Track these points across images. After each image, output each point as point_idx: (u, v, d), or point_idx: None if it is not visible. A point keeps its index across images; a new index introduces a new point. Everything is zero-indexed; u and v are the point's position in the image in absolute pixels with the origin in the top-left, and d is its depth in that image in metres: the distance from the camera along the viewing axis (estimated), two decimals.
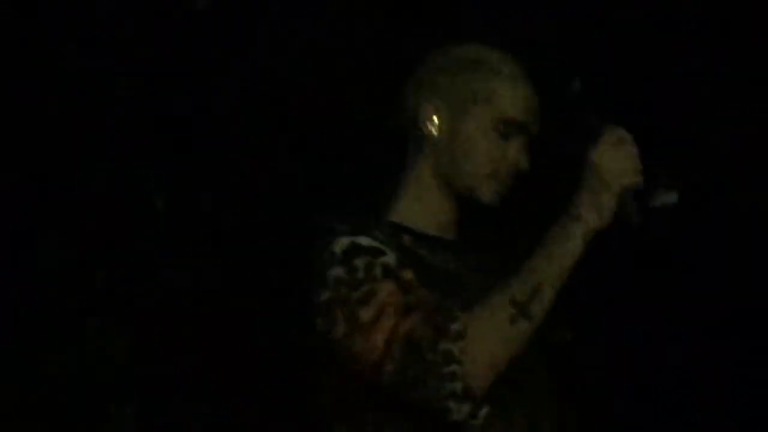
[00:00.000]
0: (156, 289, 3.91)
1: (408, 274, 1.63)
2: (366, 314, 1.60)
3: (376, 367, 1.59)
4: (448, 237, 1.79)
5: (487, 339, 1.56)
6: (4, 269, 3.80)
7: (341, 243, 1.65)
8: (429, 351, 1.57)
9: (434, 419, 1.59)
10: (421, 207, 1.77)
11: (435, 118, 1.73)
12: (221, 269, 4.00)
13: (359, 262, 1.63)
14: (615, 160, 1.58)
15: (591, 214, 1.57)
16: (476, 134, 1.72)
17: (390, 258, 1.64)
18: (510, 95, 1.72)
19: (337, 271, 1.63)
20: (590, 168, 1.58)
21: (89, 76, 3.84)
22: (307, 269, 1.69)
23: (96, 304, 3.89)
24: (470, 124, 1.73)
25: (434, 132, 1.74)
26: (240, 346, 3.93)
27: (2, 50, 3.75)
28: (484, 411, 1.58)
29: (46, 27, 3.78)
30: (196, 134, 3.91)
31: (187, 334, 3.90)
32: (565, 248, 1.57)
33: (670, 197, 2.50)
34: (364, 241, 1.65)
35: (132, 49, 3.84)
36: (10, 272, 3.81)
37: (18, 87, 3.80)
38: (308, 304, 1.68)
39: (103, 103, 3.89)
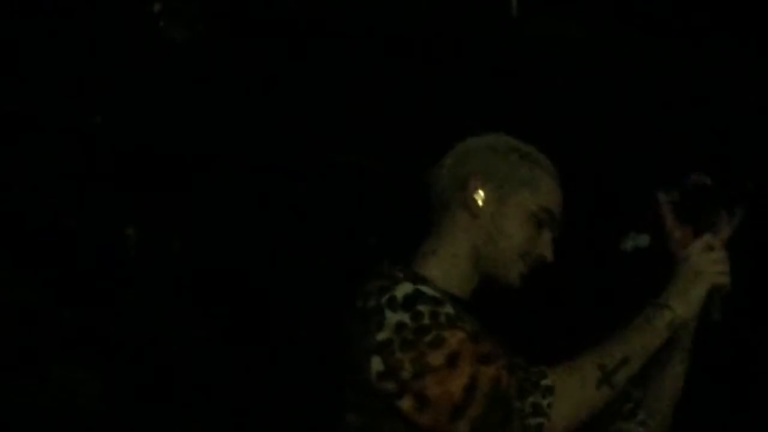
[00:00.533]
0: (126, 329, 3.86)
1: (468, 325, 1.70)
2: (436, 359, 1.64)
3: (456, 412, 1.63)
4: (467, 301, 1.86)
5: (574, 398, 1.66)
6: None
7: (404, 288, 1.70)
8: (517, 400, 1.64)
9: None
10: (455, 272, 1.82)
11: (482, 191, 1.81)
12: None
13: (423, 308, 1.67)
14: (708, 260, 1.75)
15: (680, 305, 1.73)
16: (517, 215, 1.81)
17: (450, 309, 1.70)
18: (550, 188, 1.83)
19: (400, 316, 1.67)
20: (685, 263, 1.75)
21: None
22: (359, 312, 1.71)
23: (62, 341, 3.81)
24: (513, 205, 1.81)
25: (480, 204, 1.81)
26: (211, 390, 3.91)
27: None
28: None
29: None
30: (173, 171, 3.87)
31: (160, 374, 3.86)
32: (654, 331, 1.72)
33: (643, 240, 2.56)
34: (426, 289, 1.71)
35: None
36: None
37: None
38: (355, 346, 1.69)
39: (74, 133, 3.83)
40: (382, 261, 1.83)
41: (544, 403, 1.64)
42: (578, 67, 3.81)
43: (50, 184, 3.84)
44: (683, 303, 1.73)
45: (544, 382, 1.66)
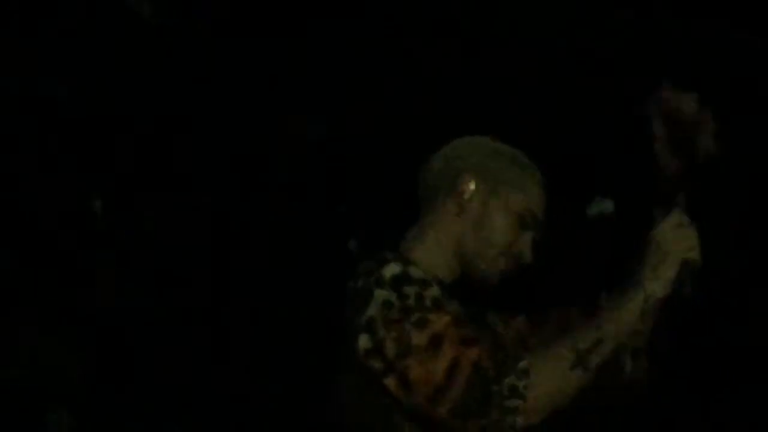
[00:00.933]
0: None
1: (455, 308, 1.76)
2: (419, 340, 1.69)
3: (437, 394, 1.68)
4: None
5: (549, 380, 1.70)
6: None
7: (392, 269, 1.76)
8: (494, 383, 1.68)
9: None
10: (439, 261, 1.88)
11: (473, 185, 1.87)
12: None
13: (409, 290, 1.73)
14: (679, 237, 1.76)
15: (654, 284, 1.75)
16: (503, 215, 1.88)
17: (437, 291, 1.76)
18: (537, 193, 1.90)
19: (387, 295, 1.72)
20: (655, 244, 1.76)
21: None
22: (350, 292, 1.77)
23: (32, 313, 3.86)
24: (500, 204, 1.88)
25: (469, 199, 1.87)
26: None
27: None
28: None
29: None
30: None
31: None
32: (628, 312, 1.74)
33: (607, 205, 2.61)
34: (414, 271, 1.77)
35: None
36: None
37: None
38: (347, 325, 1.75)
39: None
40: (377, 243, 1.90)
41: (521, 384, 1.68)
42: None
43: (18, 158, 3.88)
44: (656, 282, 1.75)
45: (521, 365, 1.70)
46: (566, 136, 3.78)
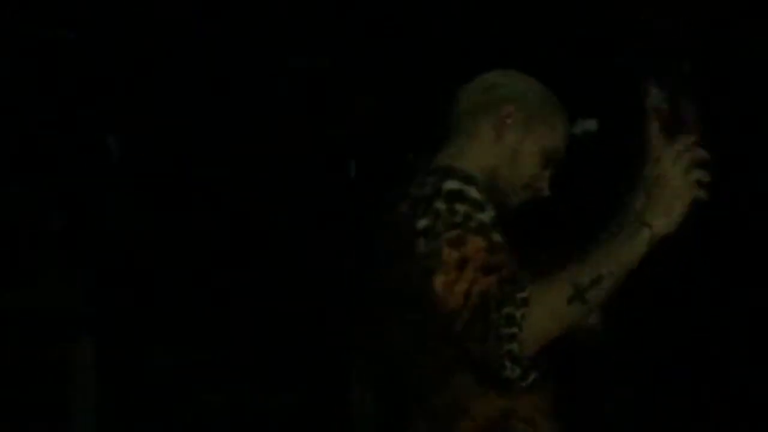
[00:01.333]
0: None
1: (497, 236, 1.79)
2: (449, 255, 1.75)
3: (453, 314, 1.75)
4: None
5: (545, 311, 1.73)
6: None
7: (451, 185, 1.80)
8: (494, 311, 1.73)
9: (491, 375, 1.75)
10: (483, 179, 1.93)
11: (510, 119, 1.95)
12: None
13: (460, 207, 1.78)
14: (681, 170, 1.71)
15: (661, 222, 1.71)
16: (531, 149, 1.95)
17: (487, 216, 1.80)
18: (562, 133, 1.98)
19: (440, 205, 1.78)
20: (660, 178, 1.72)
21: None
22: (410, 198, 1.83)
23: (49, 248, 4.03)
24: (534, 138, 1.95)
25: (508, 128, 1.95)
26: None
27: None
28: (533, 375, 1.75)
29: None
30: None
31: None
32: (631, 249, 1.72)
33: (590, 124, 2.71)
34: (472, 191, 1.81)
35: None
36: None
37: None
38: (403, 230, 1.81)
39: None
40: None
41: (518, 314, 1.71)
42: None
43: (34, 99, 4.02)
44: (664, 220, 1.71)
45: (520, 295, 1.72)
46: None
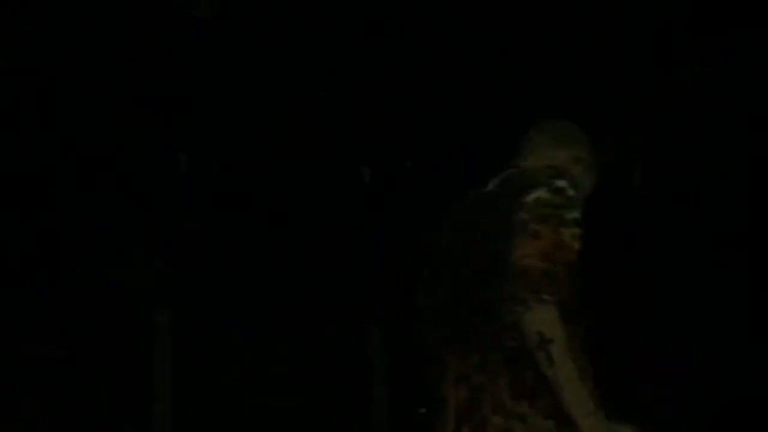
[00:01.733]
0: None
1: (581, 232, 2.10)
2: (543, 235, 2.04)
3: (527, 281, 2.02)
4: None
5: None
6: None
7: (561, 183, 2.11)
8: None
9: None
10: None
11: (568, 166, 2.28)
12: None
13: (571, 192, 2.11)
14: None
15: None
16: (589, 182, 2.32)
17: (578, 214, 2.11)
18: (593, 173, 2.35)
19: (546, 195, 2.09)
20: None
21: None
22: (516, 187, 2.11)
23: (134, 241, 4.94)
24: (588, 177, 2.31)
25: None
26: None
27: None
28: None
29: None
30: None
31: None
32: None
33: None
34: (571, 191, 2.13)
35: None
36: None
37: None
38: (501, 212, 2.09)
39: None
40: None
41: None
42: None
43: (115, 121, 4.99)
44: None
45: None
46: None
